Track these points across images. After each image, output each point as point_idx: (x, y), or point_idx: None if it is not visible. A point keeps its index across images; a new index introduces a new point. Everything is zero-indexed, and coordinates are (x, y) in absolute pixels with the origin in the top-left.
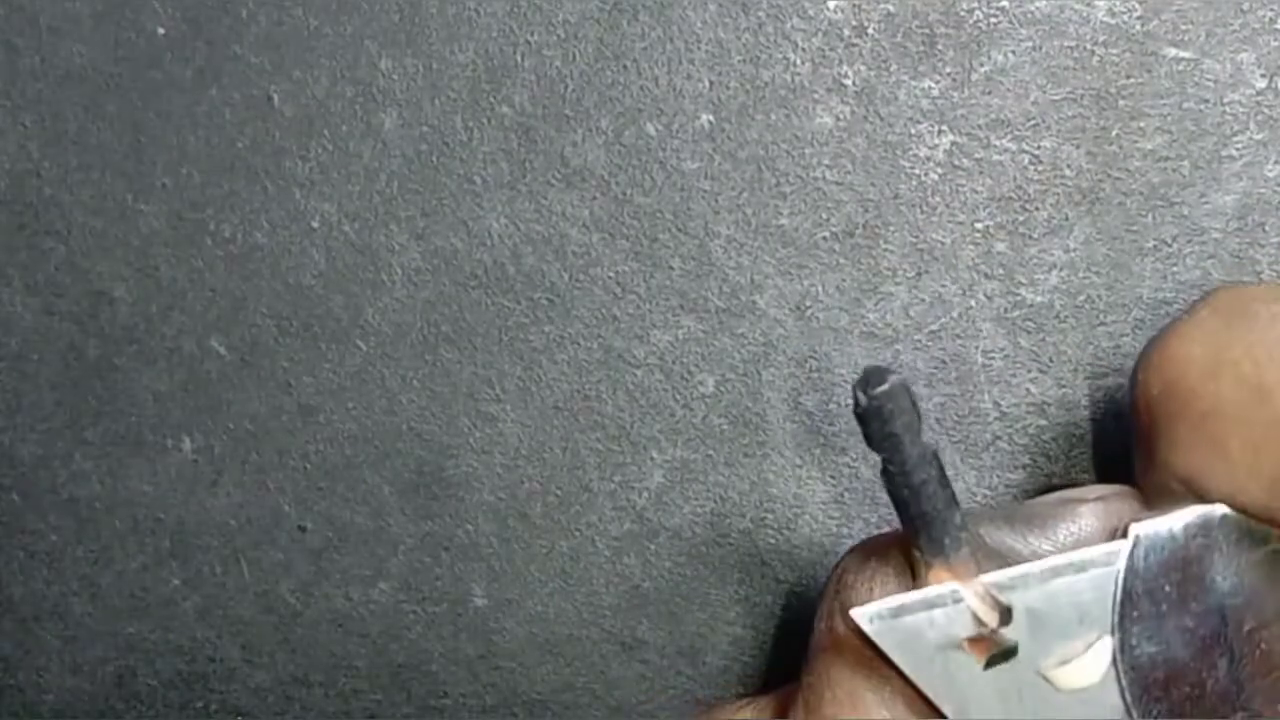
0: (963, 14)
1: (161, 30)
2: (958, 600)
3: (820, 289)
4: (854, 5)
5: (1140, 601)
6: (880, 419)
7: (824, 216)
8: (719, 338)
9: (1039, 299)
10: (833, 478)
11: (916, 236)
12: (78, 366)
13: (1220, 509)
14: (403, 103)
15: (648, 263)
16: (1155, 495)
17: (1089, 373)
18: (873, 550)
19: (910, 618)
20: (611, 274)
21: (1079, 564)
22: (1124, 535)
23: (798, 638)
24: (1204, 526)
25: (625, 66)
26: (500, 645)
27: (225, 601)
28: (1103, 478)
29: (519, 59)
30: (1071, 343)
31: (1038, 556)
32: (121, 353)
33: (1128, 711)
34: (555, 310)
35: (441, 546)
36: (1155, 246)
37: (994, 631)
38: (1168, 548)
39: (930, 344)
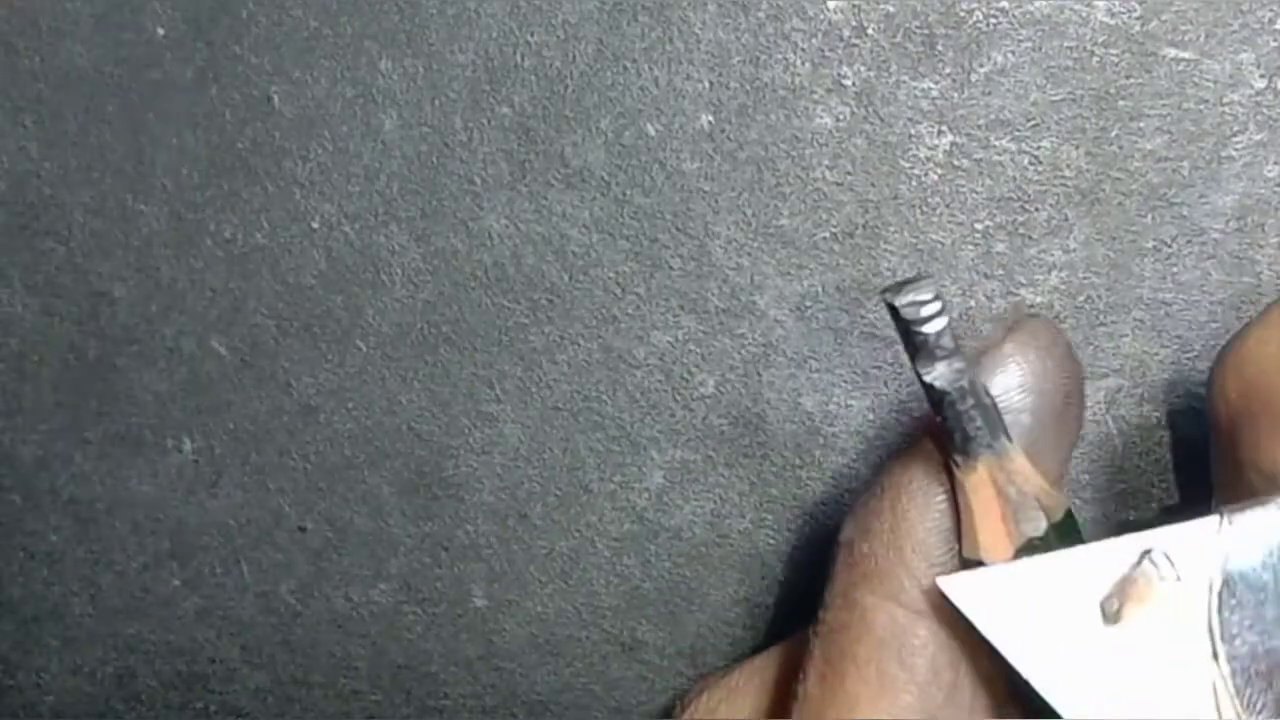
0: (963, 14)
1: (161, 30)
2: (1053, 566)
3: (820, 289)
4: (854, 5)
5: (1239, 590)
6: (909, 329)
7: (824, 216)
8: (719, 338)
9: (1039, 299)
10: (833, 478)
11: (916, 237)
12: (78, 366)
13: None
14: (403, 103)
15: (648, 263)
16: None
17: (1089, 373)
18: (910, 459)
19: (1001, 584)
20: (611, 274)
21: (1172, 548)
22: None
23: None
24: None
25: (625, 67)
26: (500, 646)
27: (225, 602)
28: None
29: (519, 59)
30: (1071, 343)
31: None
32: (121, 353)
33: (1231, 701)
34: (555, 310)
35: (441, 547)
36: (1155, 247)
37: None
38: (1263, 535)
39: None
